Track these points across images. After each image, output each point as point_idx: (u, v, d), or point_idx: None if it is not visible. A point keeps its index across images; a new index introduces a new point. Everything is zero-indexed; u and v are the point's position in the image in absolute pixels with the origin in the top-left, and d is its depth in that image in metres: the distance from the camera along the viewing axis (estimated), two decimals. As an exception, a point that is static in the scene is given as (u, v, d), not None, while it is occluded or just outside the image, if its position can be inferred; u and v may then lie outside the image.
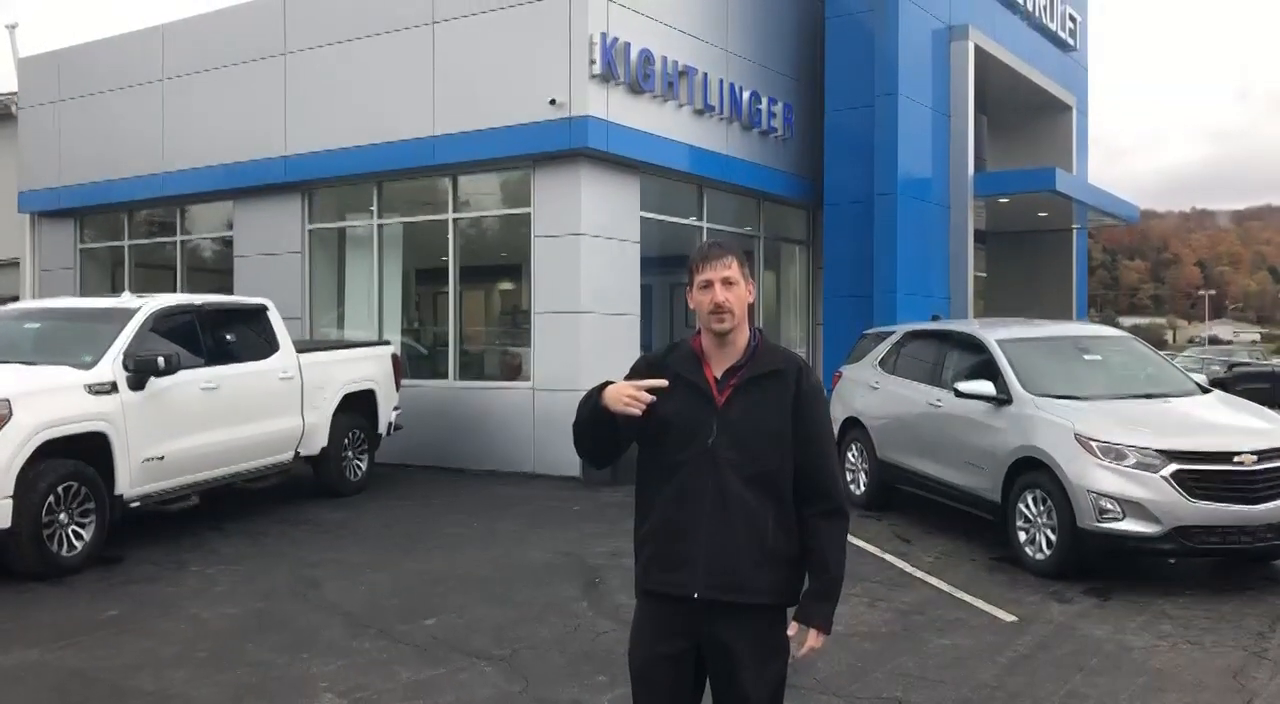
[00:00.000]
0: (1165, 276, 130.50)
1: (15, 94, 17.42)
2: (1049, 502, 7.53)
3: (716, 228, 14.58)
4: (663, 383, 2.89)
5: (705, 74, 13.37)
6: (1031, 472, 7.73)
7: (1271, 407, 9.32)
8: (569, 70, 11.65)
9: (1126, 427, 7.39)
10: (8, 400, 7.33)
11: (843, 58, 14.96)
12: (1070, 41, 19.76)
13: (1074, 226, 19.82)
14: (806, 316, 16.69)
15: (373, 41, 13.21)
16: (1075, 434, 7.41)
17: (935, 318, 12.63)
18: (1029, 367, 8.38)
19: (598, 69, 11.65)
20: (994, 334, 8.82)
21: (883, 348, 10.29)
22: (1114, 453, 7.22)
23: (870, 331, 11.40)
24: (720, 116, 13.72)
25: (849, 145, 14.87)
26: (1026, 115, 19.46)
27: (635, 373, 3.04)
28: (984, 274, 19.41)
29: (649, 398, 2.85)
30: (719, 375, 2.95)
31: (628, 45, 12.05)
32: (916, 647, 6.05)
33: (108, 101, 16.02)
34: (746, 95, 14.15)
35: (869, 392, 10.14)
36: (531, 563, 8.08)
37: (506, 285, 14.29)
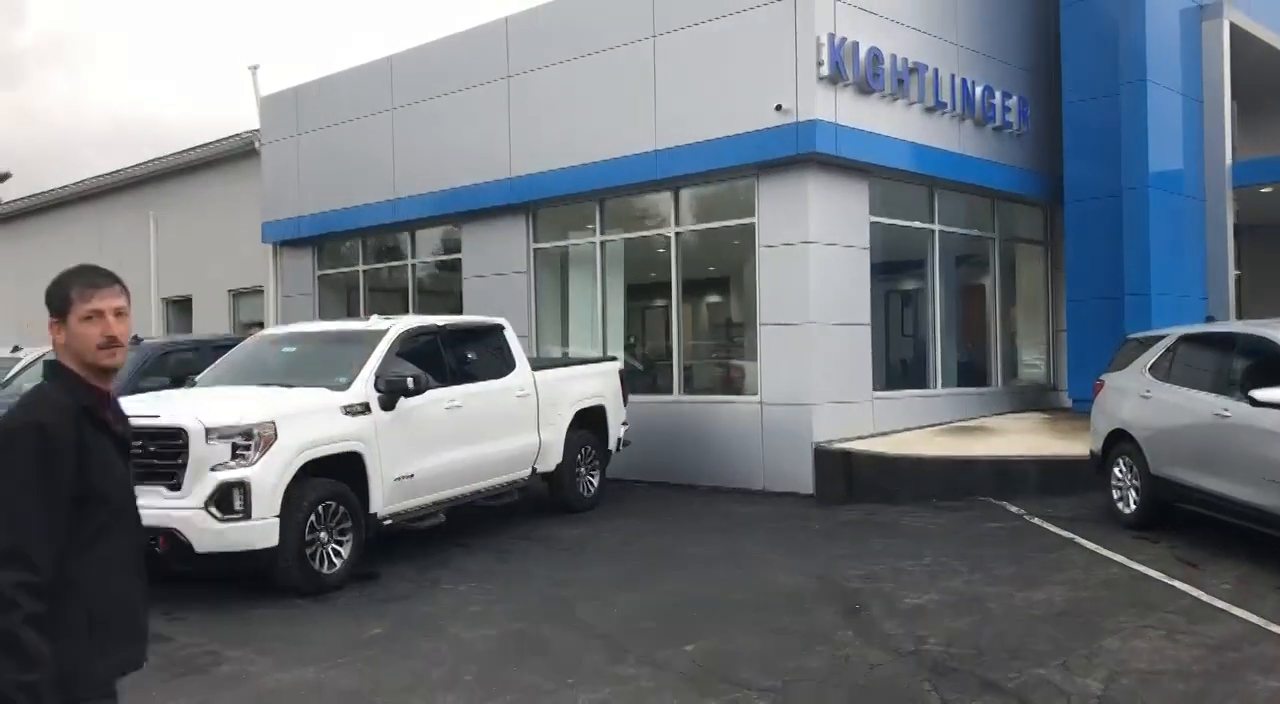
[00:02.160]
0: None
1: (258, 131, 18.50)
2: (1373, 524, 6.62)
3: (949, 230, 13.89)
4: None
5: (935, 70, 12.75)
6: (1349, 490, 6.82)
7: None
8: (795, 74, 11.30)
9: None
10: (273, 422, 7.58)
11: (1081, 45, 14.00)
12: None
13: (1344, 216, 17.92)
14: (1047, 322, 15.70)
15: (593, 59, 13.26)
16: None
17: (1211, 319, 11.55)
18: (1337, 371, 7.43)
19: (825, 71, 11.26)
20: (1291, 335, 7.88)
21: (1153, 353, 9.40)
22: None
23: (1135, 336, 10.48)
24: (951, 113, 13.05)
25: (1090, 138, 13.88)
26: (1287, 97, 17.77)
27: (56, 440, 2.47)
28: (1240, 272, 17.80)
29: None
30: (109, 419, 2.65)
31: (855, 44, 11.60)
32: (1241, 690, 5.35)
33: (342, 133, 16.77)
34: (979, 90, 13.42)
35: (1139, 401, 9.28)
36: (783, 586, 7.73)
37: (730, 298, 14.03)
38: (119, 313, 2.63)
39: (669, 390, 13.21)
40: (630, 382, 12.20)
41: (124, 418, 2.76)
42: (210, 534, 7.28)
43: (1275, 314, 15.33)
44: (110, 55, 70.13)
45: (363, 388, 8.33)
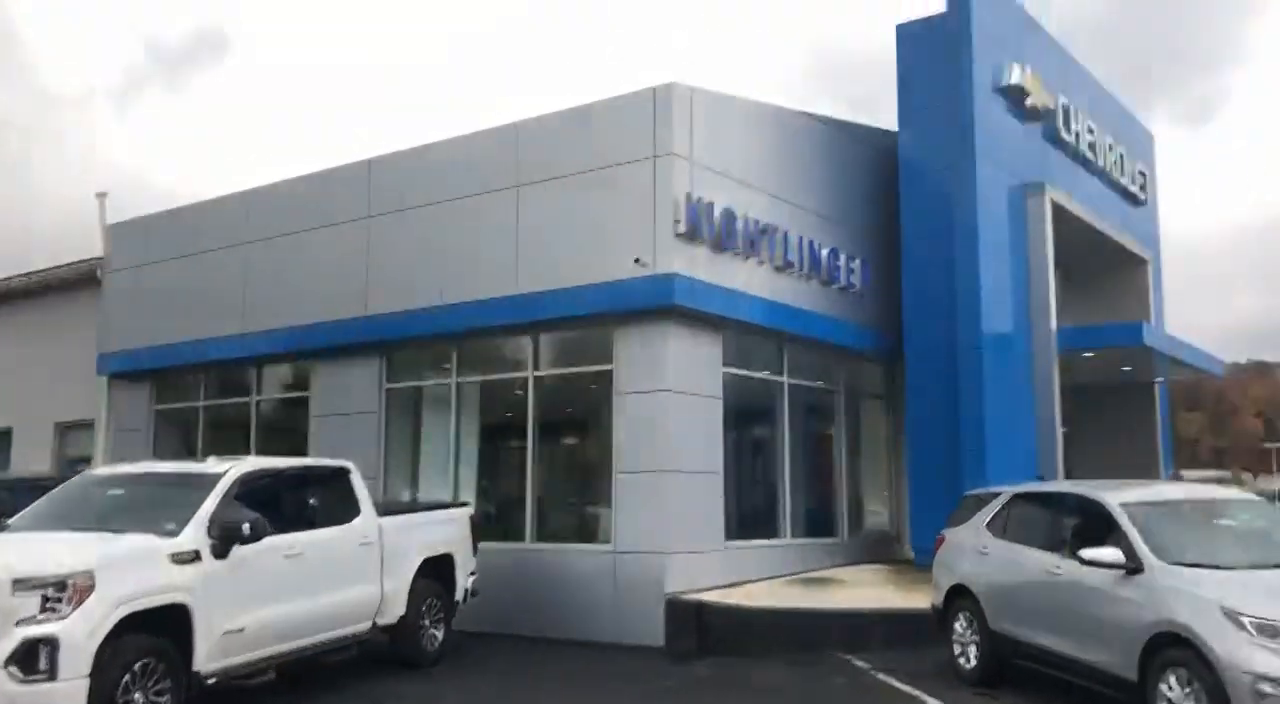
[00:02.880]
0: (1225, 429, 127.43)
1: (101, 259, 17.87)
2: (1195, 683, 6.86)
3: (797, 382, 14.33)
4: None
5: (785, 231, 13.36)
6: (1172, 649, 7.07)
7: None
8: (654, 230, 11.66)
9: (1280, 600, 6.78)
10: (90, 571, 7.05)
11: (919, 214, 14.92)
12: (1140, 196, 19.70)
13: (1156, 381, 19.30)
14: (889, 474, 16.18)
15: (456, 204, 13.41)
16: (1223, 608, 6.79)
17: (1041, 478, 12.10)
18: (1158, 532, 7.81)
19: (683, 228, 11.66)
20: (1116, 497, 8.29)
21: (989, 510, 9.75)
22: (1270, 630, 6.59)
23: (973, 493, 10.88)
24: (800, 273, 13.64)
25: (928, 300, 14.67)
26: (1101, 269, 19.24)
27: None
28: (1065, 429, 18.84)
29: None
30: None
31: (711, 205, 12.08)
32: None
33: (192, 265, 16.36)
34: (825, 252, 14.09)
35: (977, 557, 9.56)
36: (631, 748, 7.50)
37: (587, 443, 13.99)
38: None
39: (521, 537, 12.95)
40: (482, 527, 11.93)
41: None
42: (6, 699, 6.62)
43: (1099, 470, 16.28)
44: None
45: (194, 534, 7.87)
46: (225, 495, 8.33)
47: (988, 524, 9.66)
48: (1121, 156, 18.90)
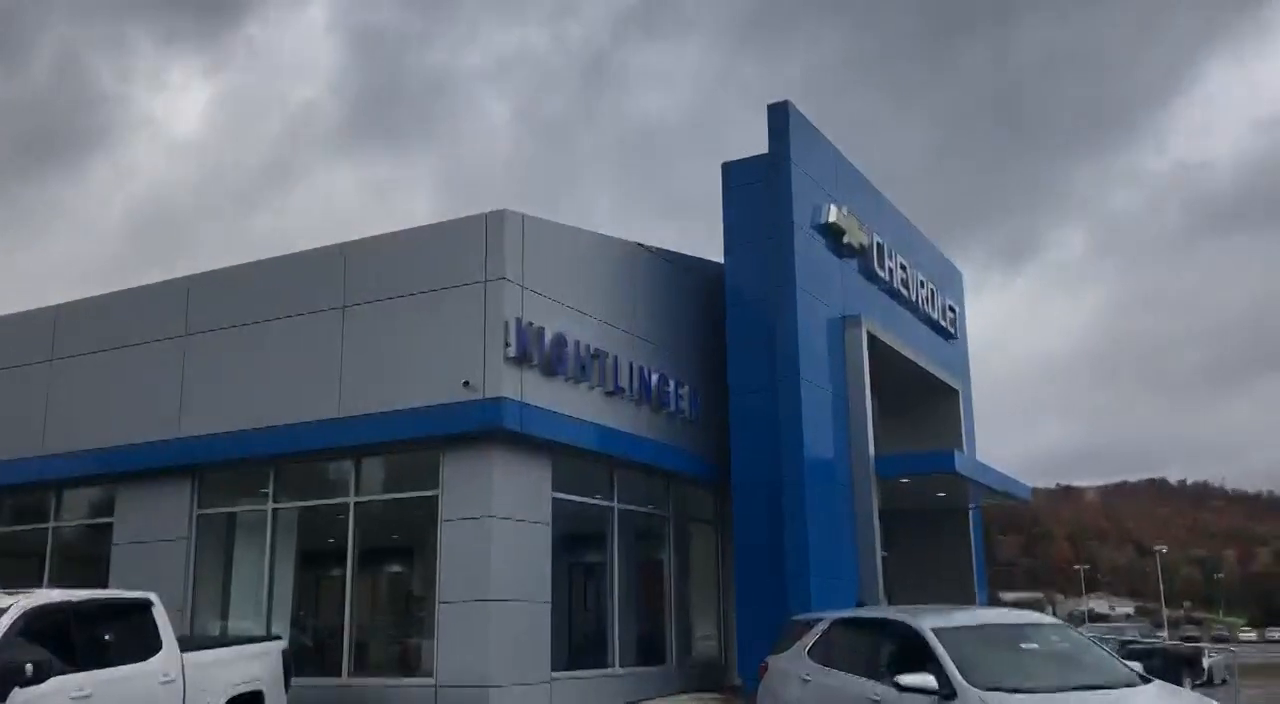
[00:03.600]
0: (1038, 551, 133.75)
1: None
2: (1006, 808, 7.03)
3: (627, 507, 14.37)
4: None
5: (615, 357, 13.57)
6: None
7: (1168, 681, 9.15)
8: (483, 353, 11.67)
9: (1082, 722, 7.06)
10: None
11: (744, 343, 15.37)
12: (951, 330, 20.90)
13: (969, 506, 20.18)
14: (718, 599, 16.25)
15: (278, 324, 13.14)
16: (1031, 731, 7.03)
17: (861, 603, 12.36)
18: (968, 656, 8.04)
19: (512, 352, 11.71)
20: (928, 622, 8.52)
21: (811, 636, 9.85)
22: (1071, 751, 6.85)
23: (798, 618, 10.99)
24: (630, 398, 13.84)
25: (753, 428, 15.00)
26: (916, 399, 20.18)
27: None
28: (885, 554, 19.39)
29: None
30: None
31: (542, 329, 12.20)
32: None
33: (-11, 381, 15.34)
34: (655, 378, 14.37)
35: (800, 685, 9.60)
36: None
37: (412, 571, 13.57)
38: None
39: (338, 671, 12.35)
40: (297, 661, 11.31)
41: None
42: None
43: (920, 593, 16.76)
44: None
45: (-32, 676, 7.20)
46: (8, 632, 7.67)
47: (809, 651, 9.75)
48: (933, 292, 20.08)
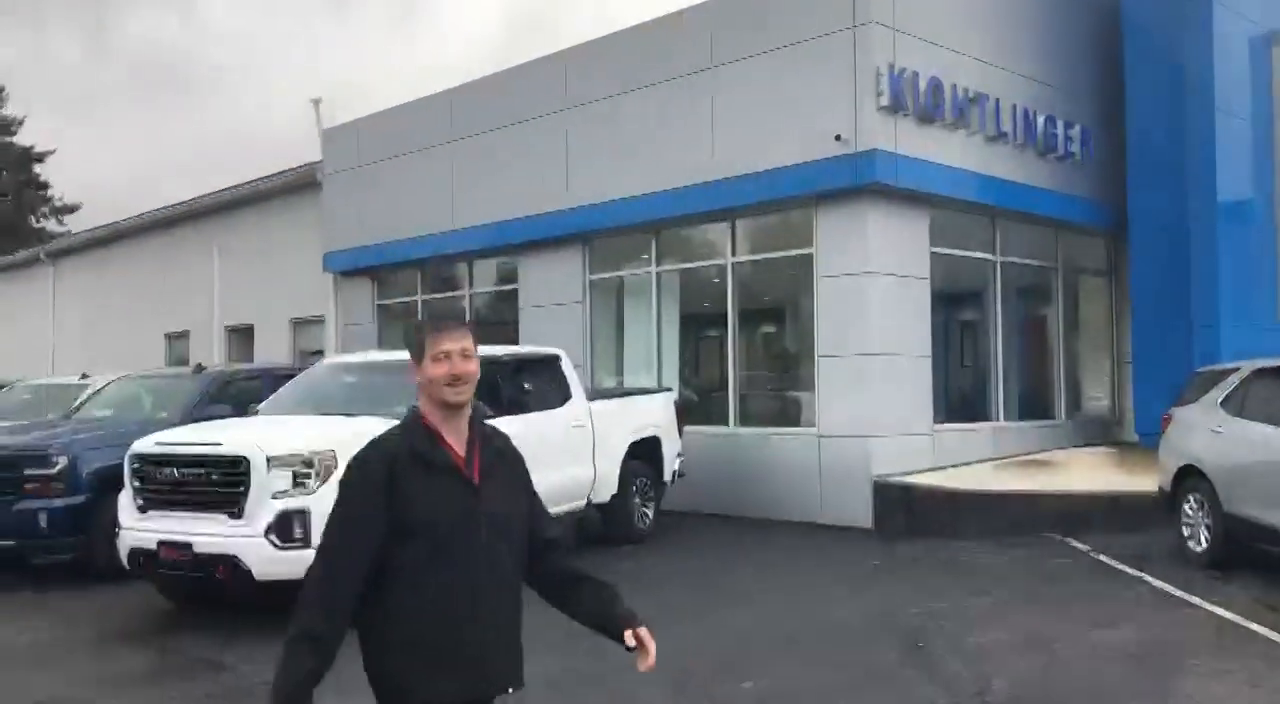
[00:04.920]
0: None
1: (319, 164, 18.81)
2: None
3: (1011, 260, 13.72)
4: None
5: (996, 100, 12.61)
6: None
7: None
8: (854, 104, 11.25)
9: None
10: (333, 451, 7.60)
11: (1145, 73, 13.76)
12: None
13: None
14: (1112, 354, 15.38)
15: (650, 91, 13.32)
16: None
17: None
18: None
19: (885, 101, 11.20)
20: (1374, 370, 7.62)
21: (1224, 387, 9.15)
22: None
23: (1205, 369, 10.22)
24: (1013, 143, 12.90)
25: (1156, 167, 13.62)
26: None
27: (370, 478, 2.71)
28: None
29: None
30: (463, 454, 2.78)
31: (915, 75, 11.53)
32: (1328, 740, 5.12)
33: (401, 165, 16.99)
34: (1041, 119, 13.25)
35: (1210, 437, 9.02)
36: (841, 621, 7.59)
37: (787, 329, 13.93)
38: (465, 353, 2.79)
39: (725, 422, 13.12)
40: (686, 413, 12.16)
41: (488, 448, 2.85)
42: (270, 562, 7.31)
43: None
44: (195, 85, 71.96)
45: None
46: (446, 381, 8.75)
47: (1222, 402, 9.07)
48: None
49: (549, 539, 2.97)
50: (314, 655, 2.59)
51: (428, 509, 2.68)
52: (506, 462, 2.90)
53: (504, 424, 8.93)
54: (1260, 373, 8.96)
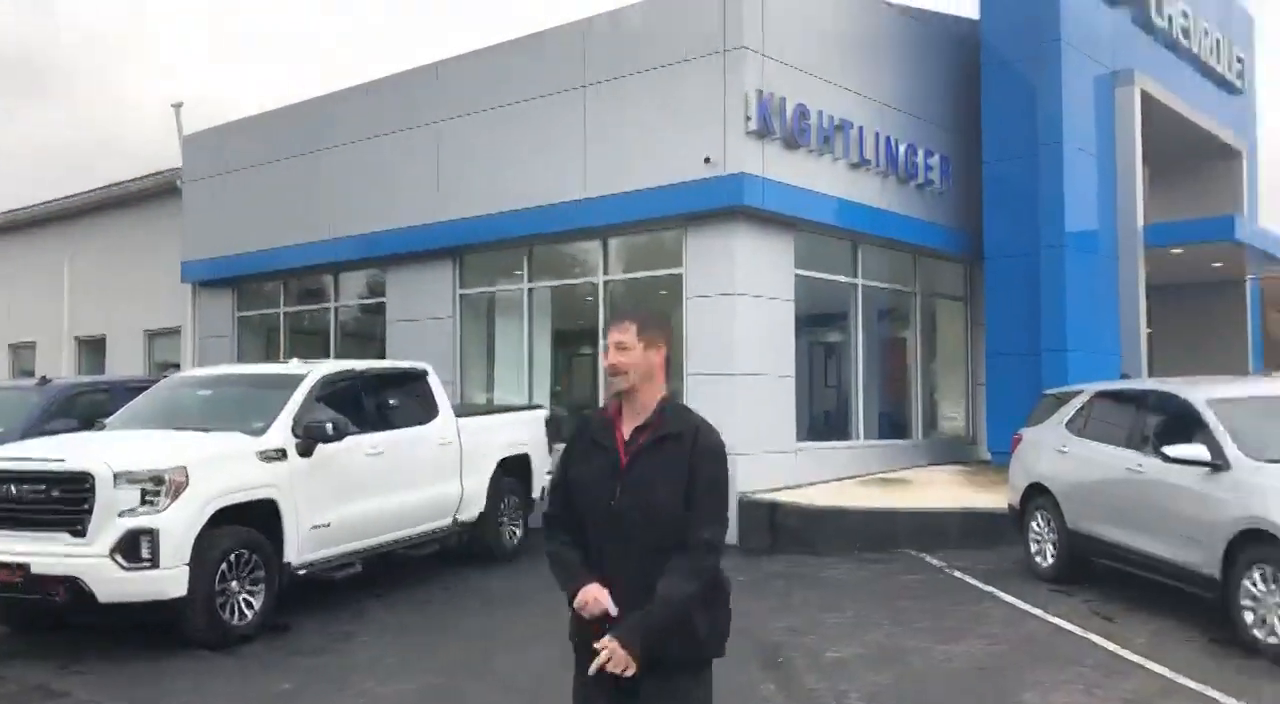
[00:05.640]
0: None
1: (180, 169, 18.17)
2: (1280, 579, 6.77)
3: (872, 284, 14.13)
4: (612, 611, 3.18)
5: (860, 127, 13.02)
6: (1258, 546, 6.96)
7: None
8: (724, 127, 11.45)
9: (1373, 497, 6.60)
10: (185, 467, 7.33)
11: (1001, 107, 14.42)
12: (1237, 83, 18.78)
13: (1247, 277, 18.65)
14: (966, 376, 15.98)
15: (523, 107, 13.30)
16: (1312, 505, 6.65)
17: (1125, 376, 11.86)
18: (1244, 429, 7.62)
19: (753, 125, 11.43)
20: (1201, 394, 8.10)
21: (1069, 409, 9.60)
22: (1360, 526, 6.45)
23: (1052, 391, 10.71)
24: (876, 170, 13.33)
25: (1009, 197, 14.26)
26: (1191, 162, 18.46)
27: (568, 441, 3.47)
28: (1149, 329, 18.39)
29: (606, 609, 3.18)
30: (628, 436, 3.24)
31: (783, 100, 11.81)
32: (1156, 745, 5.40)
33: (267, 173, 16.55)
34: (902, 148, 13.73)
35: (1055, 456, 9.46)
36: (705, 639, 7.65)
37: (658, 347, 14.01)
38: (619, 346, 3.26)
39: (595, 438, 13.10)
40: (556, 430, 12.12)
41: (658, 432, 3.24)
42: (115, 583, 6.99)
43: (1183, 369, 15.87)
44: (54, 84, 68.46)
45: (280, 433, 8.12)
46: (308, 396, 8.56)
47: (1067, 423, 9.53)
48: (1217, 42, 17.98)
49: (690, 539, 3.17)
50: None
51: (577, 477, 3.31)
52: (669, 446, 3.21)
53: (367, 440, 8.84)
54: (1101, 395, 9.45)
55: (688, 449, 3.19)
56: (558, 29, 13.24)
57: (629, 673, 3.04)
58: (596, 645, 3.10)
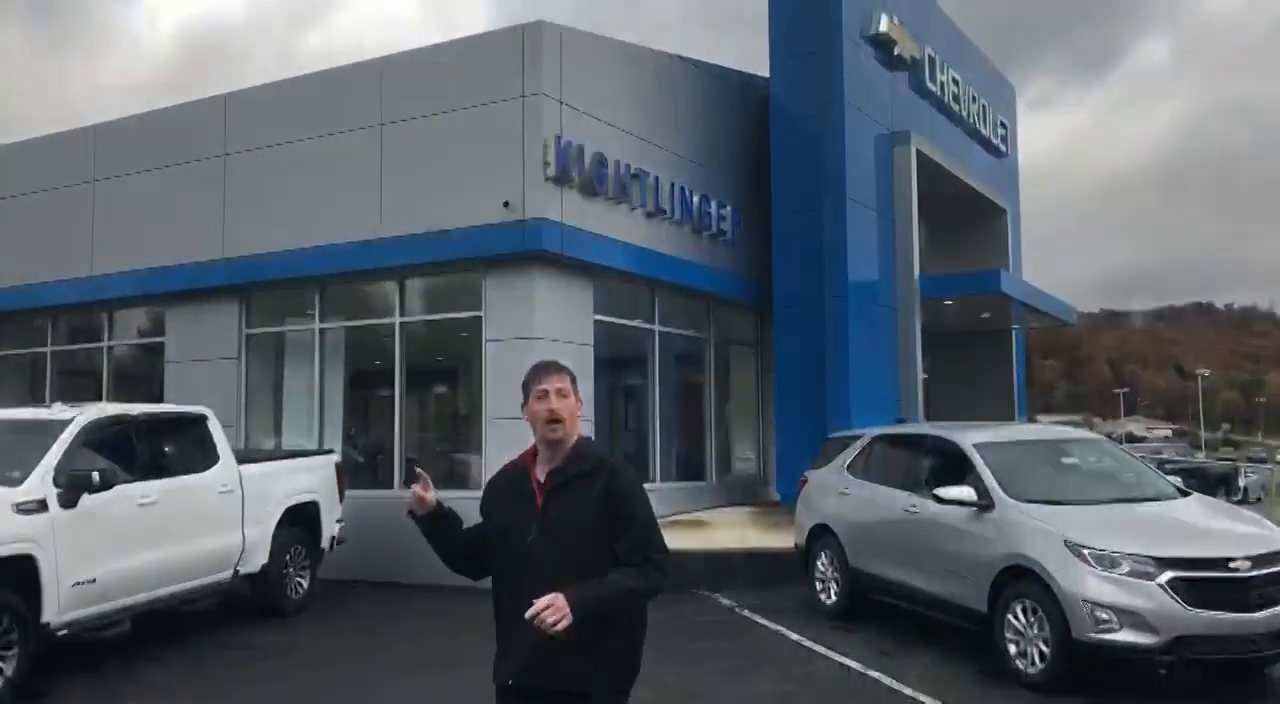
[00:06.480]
0: (1079, 376, 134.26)
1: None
2: (1040, 612, 7.24)
3: (668, 330, 14.43)
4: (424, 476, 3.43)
5: (656, 177, 13.35)
6: (1020, 581, 7.45)
7: None
8: (523, 173, 11.50)
9: (1117, 533, 7.18)
10: (-75, 522, 6.69)
11: (788, 162, 15.08)
12: (1002, 147, 20.34)
13: (1013, 327, 20.10)
14: (758, 420, 16.49)
15: (318, 142, 12.97)
16: (1065, 541, 7.17)
17: (902, 421, 12.50)
18: (1008, 471, 8.17)
19: (552, 172, 11.53)
20: (969, 438, 8.64)
21: (851, 452, 10.05)
22: (1107, 561, 6.98)
23: (836, 435, 11.19)
24: (671, 220, 13.68)
25: (797, 248, 14.89)
26: (962, 218, 19.85)
27: (485, 488, 3.57)
28: (925, 375, 19.50)
29: (424, 494, 3.40)
30: (543, 478, 3.33)
31: (581, 148, 11.98)
32: (928, 776, 5.65)
33: (34, 203, 15.47)
34: (696, 198, 14.16)
35: (838, 498, 9.86)
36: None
37: (458, 389, 13.85)
38: (560, 393, 3.31)
39: (390, 484, 12.78)
40: (349, 475, 11.74)
41: (569, 471, 3.31)
42: None
43: (958, 414, 16.88)
44: None
45: (39, 483, 7.52)
46: (72, 443, 7.97)
47: (848, 466, 9.96)
48: (984, 107, 19.45)
49: (636, 557, 3.23)
50: None
51: (497, 521, 3.39)
52: (584, 484, 3.27)
53: (139, 489, 8.30)
54: (879, 439, 9.94)
55: (603, 488, 3.27)
56: (355, 66, 13.04)
57: (559, 627, 3.01)
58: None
